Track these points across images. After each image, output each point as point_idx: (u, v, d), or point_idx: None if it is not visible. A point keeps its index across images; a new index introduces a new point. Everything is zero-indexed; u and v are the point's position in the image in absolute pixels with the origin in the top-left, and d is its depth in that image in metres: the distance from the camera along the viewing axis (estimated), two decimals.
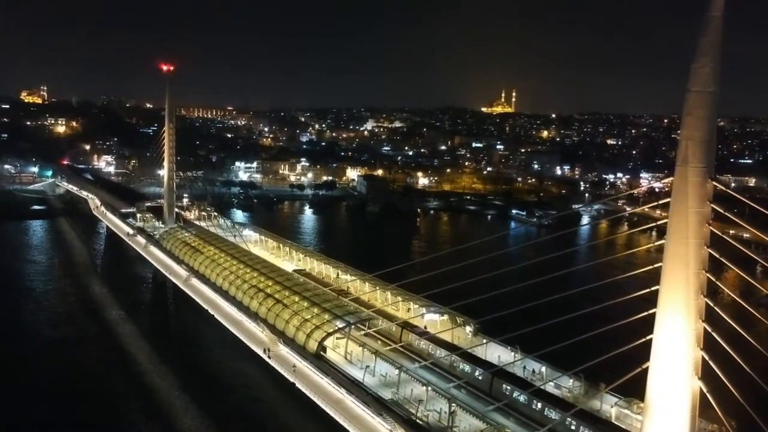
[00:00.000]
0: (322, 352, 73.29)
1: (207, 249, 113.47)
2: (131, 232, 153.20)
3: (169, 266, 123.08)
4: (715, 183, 45.26)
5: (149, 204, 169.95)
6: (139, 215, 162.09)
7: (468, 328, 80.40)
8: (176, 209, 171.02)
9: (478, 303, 66.06)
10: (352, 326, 76.24)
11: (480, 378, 66.54)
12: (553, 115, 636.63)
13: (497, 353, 73.74)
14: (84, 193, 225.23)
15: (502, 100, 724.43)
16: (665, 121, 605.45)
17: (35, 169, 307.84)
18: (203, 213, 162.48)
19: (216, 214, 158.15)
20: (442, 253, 70.57)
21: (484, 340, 77.11)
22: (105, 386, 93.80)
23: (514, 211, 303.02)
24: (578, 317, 55.89)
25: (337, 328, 74.54)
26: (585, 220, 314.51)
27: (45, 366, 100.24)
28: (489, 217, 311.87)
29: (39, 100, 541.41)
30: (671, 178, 47.29)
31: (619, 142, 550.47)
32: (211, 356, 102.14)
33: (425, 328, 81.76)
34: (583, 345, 56.07)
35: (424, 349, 75.91)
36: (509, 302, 61.61)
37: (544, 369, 68.08)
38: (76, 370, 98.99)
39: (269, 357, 79.40)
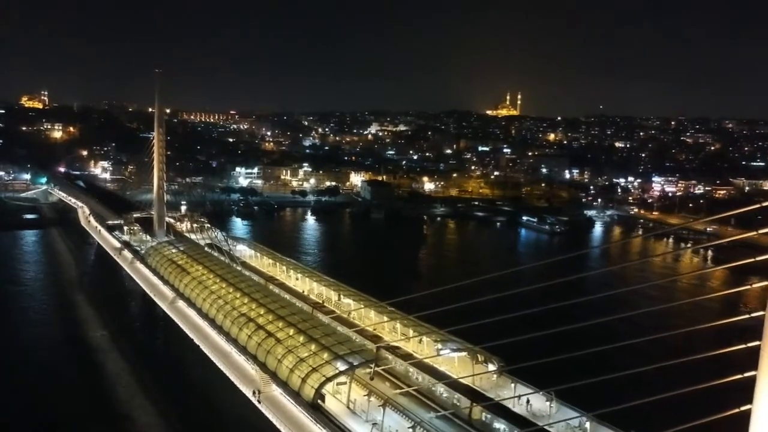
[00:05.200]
0: (320, 401, 61.75)
1: (194, 268, 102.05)
2: (118, 245, 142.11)
3: (155, 285, 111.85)
4: None
5: (138, 215, 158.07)
6: (126, 228, 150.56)
7: (491, 367, 68.84)
8: (170, 219, 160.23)
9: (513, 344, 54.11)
10: (356, 368, 64.54)
11: None
12: (559, 118, 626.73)
13: (528, 401, 62.09)
14: (74, 202, 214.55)
15: (507, 102, 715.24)
16: (672, 123, 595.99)
17: (28, 176, 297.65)
18: (196, 224, 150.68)
19: (209, 225, 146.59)
20: (467, 282, 57.71)
21: (511, 383, 65.67)
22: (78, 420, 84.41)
23: (524, 218, 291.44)
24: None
25: (338, 371, 62.86)
26: (598, 226, 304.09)
27: (13, 398, 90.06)
28: (498, 224, 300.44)
29: (39, 105, 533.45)
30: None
31: (628, 145, 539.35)
32: (202, 385, 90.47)
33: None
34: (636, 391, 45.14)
35: (441, 394, 64.45)
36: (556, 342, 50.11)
37: (588, 424, 56.47)
38: (47, 402, 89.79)
39: (259, 401, 68.16)
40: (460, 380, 64.76)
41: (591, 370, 47.49)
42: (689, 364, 41.87)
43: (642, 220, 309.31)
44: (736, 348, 37.86)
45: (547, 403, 60.46)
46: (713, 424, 38.41)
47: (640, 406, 43.81)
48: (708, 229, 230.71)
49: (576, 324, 47.85)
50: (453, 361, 70.59)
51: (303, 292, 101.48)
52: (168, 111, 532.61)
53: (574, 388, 50.46)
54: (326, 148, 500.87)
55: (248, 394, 70.81)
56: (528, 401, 62.27)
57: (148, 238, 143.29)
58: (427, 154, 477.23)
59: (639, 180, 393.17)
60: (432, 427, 57.90)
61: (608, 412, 49.99)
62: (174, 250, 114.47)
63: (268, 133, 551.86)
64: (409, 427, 55.86)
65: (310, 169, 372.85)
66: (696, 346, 42.28)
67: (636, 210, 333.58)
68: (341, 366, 63.53)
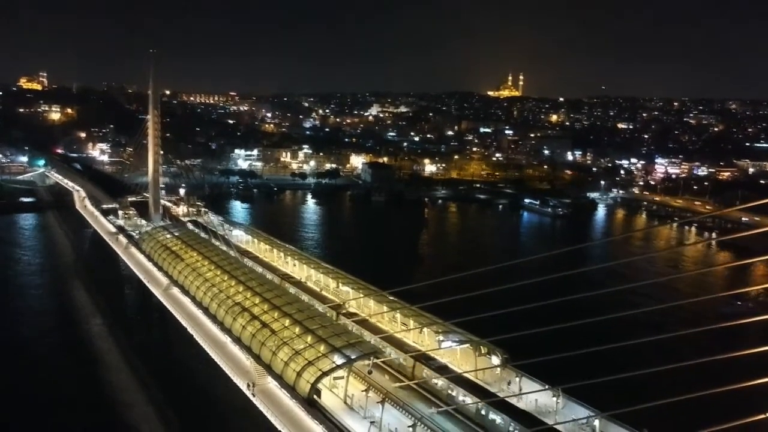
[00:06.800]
0: (315, 396, 59.09)
1: (189, 255, 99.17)
2: (113, 230, 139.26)
3: (149, 271, 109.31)
4: None
5: (133, 199, 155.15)
6: (121, 212, 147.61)
7: (495, 359, 66.17)
8: (167, 203, 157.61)
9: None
10: (354, 362, 61.81)
11: None
12: (561, 99, 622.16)
13: (533, 394, 59.29)
14: (70, 185, 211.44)
15: (509, 83, 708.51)
16: (675, 104, 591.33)
17: (25, 159, 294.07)
18: (192, 208, 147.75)
19: (206, 209, 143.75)
20: (470, 273, 54.59)
21: (516, 376, 62.97)
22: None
23: (526, 200, 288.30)
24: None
25: (334, 365, 60.15)
26: (601, 208, 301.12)
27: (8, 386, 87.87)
28: (500, 206, 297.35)
29: (38, 87, 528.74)
30: None
31: (630, 127, 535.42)
32: (198, 375, 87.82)
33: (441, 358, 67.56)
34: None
35: (443, 388, 61.82)
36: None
37: (597, 422, 53.75)
38: (42, 389, 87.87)
39: (253, 394, 65.63)
40: (463, 374, 62.25)
41: (602, 365, 45.08)
42: (712, 364, 39.07)
43: (646, 203, 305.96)
44: (761, 349, 35.27)
45: (554, 398, 57.72)
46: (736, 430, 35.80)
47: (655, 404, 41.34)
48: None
49: (588, 319, 45.22)
50: (455, 353, 67.92)
51: (301, 279, 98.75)
52: (167, 92, 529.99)
53: (581, 382, 48.20)
54: (327, 129, 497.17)
55: (242, 387, 68.28)
56: (525, 393, 59.69)
57: (143, 222, 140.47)
58: (429, 135, 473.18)
59: (642, 161, 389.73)
60: (433, 423, 55.41)
61: (618, 405, 47.62)
62: (168, 236, 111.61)
63: (268, 115, 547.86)
64: (409, 426, 53.17)
65: (310, 151, 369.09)
66: (720, 345, 39.54)
67: (639, 192, 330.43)
68: (338, 359, 60.85)
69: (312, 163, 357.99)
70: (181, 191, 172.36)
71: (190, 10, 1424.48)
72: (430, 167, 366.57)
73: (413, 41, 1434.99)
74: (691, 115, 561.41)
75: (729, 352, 37.68)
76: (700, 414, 39.80)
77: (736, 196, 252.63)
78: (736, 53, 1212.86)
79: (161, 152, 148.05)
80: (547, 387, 58.50)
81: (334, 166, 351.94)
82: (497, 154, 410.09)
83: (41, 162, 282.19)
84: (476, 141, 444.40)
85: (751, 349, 36.17)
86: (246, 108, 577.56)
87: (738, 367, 37.67)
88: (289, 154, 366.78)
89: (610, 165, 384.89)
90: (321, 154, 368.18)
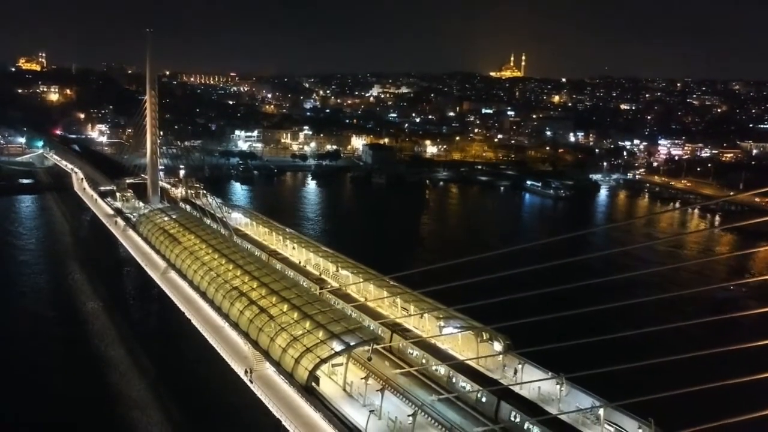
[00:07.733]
0: (314, 384, 57.84)
1: (186, 238, 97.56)
2: (110, 212, 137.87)
3: (147, 254, 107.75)
4: None
5: (130, 180, 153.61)
6: (118, 194, 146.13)
7: (497, 346, 64.85)
8: (166, 185, 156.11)
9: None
10: (353, 349, 60.52)
11: (524, 425, 50.97)
12: (564, 80, 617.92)
13: (536, 382, 57.95)
14: (69, 167, 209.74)
15: (512, 64, 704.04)
16: (678, 85, 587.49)
17: (23, 140, 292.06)
18: (191, 190, 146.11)
19: (205, 192, 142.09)
20: (473, 258, 52.88)
21: (518, 363, 61.67)
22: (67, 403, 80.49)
23: (528, 182, 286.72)
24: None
25: (333, 352, 58.80)
26: (603, 190, 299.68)
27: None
28: (502, 188, 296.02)
29: (37, 67, 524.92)
30: None
31: (633, 108, 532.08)
32: (197, 361, 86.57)
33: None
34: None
35: (444, 375, 60.51)
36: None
37: (602, 411, 52.32)
38: (38, 373, 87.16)
39: (251, 380, 64.38)
40: (465, 361, 60.95)
41: (605, 353, 43.82)
42: (716, 355, 37.66)
43: (648, 184, 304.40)
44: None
45: (557, 386, 56.39)
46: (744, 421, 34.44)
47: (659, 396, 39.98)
48: None
49: (589, 307, 43.83)
50: (457, 339, 66.63)
51: (299, 263, 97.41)
52: (167, 73, 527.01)
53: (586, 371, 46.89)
54: (327, 110, 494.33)
55: (240, 372, 67.01)
56: (528, 382, 58.38)
57: (141, 204, 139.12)
58: (430, 116, 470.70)
59: (645, 143, 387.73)
60: (434, 411, 54.25)
61: (623, 393, 46.43)
62: (166, 219, 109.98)
63: (269, 96, 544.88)
64: (409, 414, 51.89)
65: (310, 133, 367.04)
66: (718, 334, 38.15)
67: (642, 173, 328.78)
68: (337, 346, 59.48)
69: (312, 144, 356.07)
70: (181, 173, 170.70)
71: None
72: (431, 149, 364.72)
73: (415, 21, 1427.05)
74: (694, 95, 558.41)
75: (730, 343, 36.37)
76: (707, 404, 38.61)
77: (740, 177, 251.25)
78: (741, 33, 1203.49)
79: (160, 133, 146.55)
80: (550, 375, 57.22)
81: (334, 147, 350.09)
82: (499, 136, 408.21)
83: (40, 143, 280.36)
84: (478, 122, 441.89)
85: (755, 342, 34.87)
86: (246, 89, 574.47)
87: (743, 359, 36.41)
88: (289, 135, 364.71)
89: (612, 146, 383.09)
90: (321, 135, 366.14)
